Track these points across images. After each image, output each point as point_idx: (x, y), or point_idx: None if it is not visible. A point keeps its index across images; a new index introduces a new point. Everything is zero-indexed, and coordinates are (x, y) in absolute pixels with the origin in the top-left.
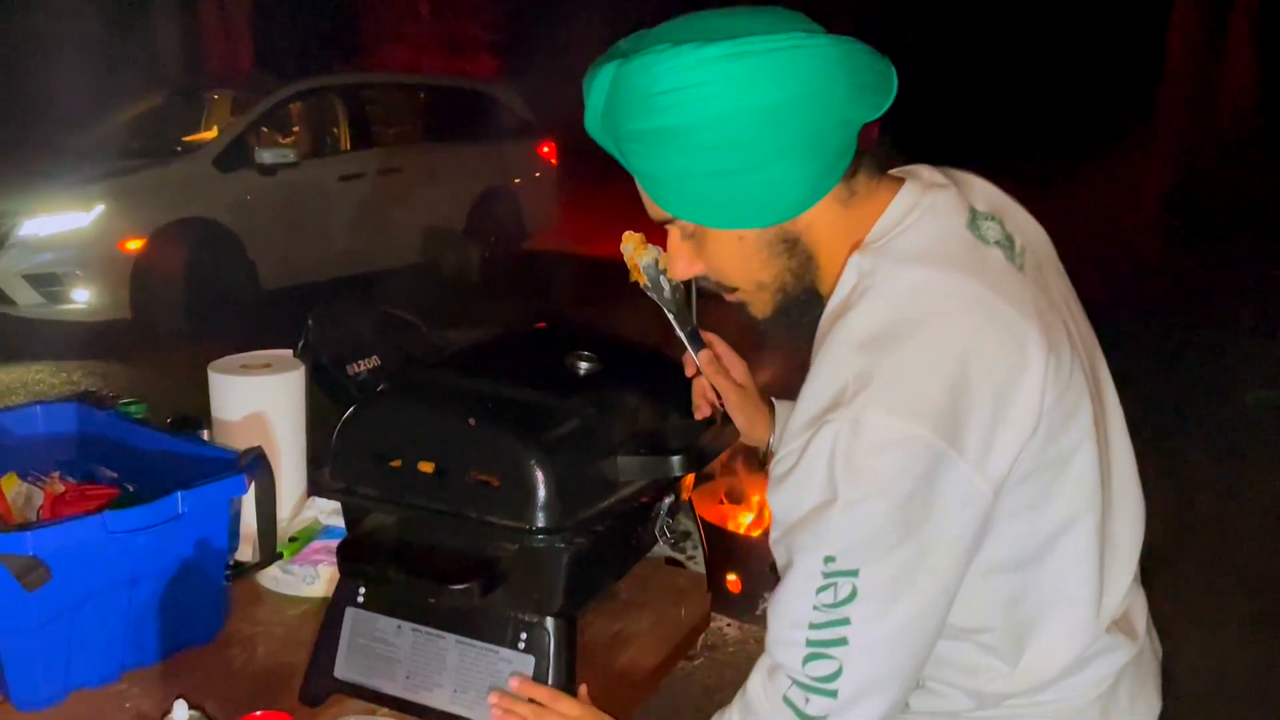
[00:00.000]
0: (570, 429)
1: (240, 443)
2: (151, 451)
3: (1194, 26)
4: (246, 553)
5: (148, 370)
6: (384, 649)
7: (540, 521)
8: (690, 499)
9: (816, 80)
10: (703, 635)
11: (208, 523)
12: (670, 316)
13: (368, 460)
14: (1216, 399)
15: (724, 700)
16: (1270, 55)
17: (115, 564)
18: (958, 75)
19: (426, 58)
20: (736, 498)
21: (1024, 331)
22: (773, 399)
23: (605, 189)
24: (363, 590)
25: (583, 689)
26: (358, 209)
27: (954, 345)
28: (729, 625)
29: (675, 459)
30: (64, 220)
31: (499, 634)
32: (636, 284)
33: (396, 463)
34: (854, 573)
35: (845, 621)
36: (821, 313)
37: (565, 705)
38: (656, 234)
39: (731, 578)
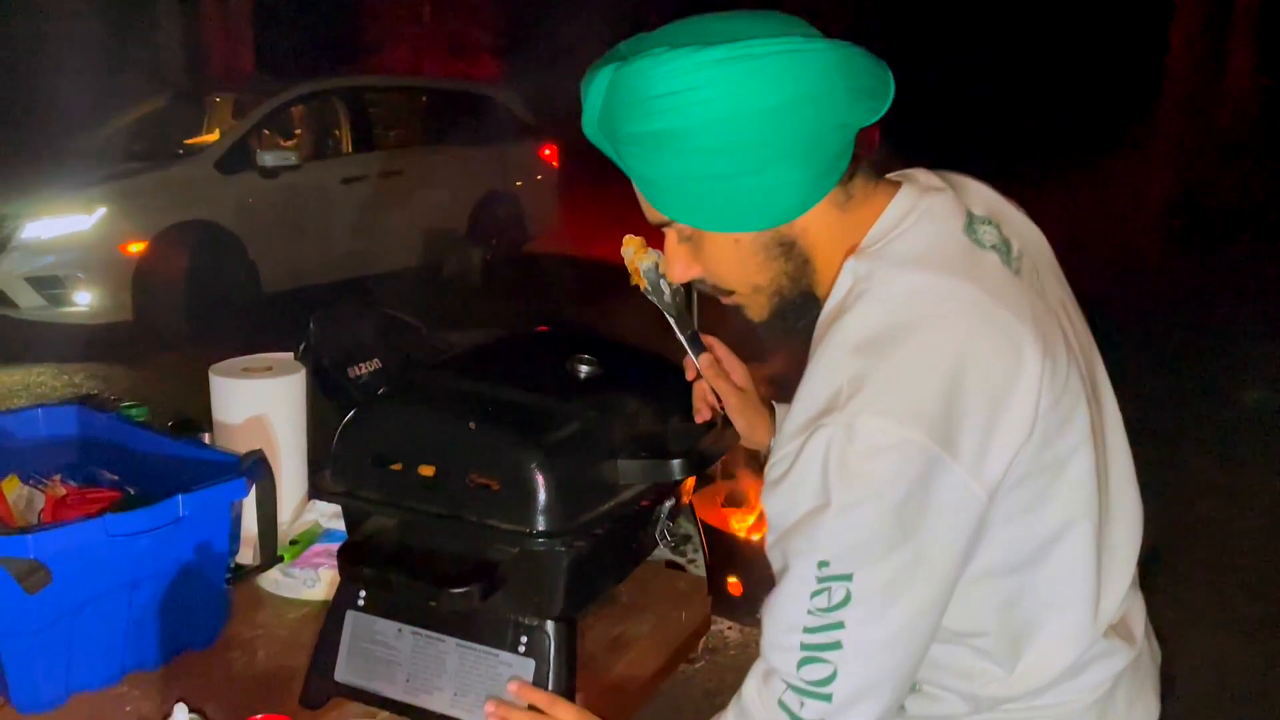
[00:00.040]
0: (570, 432)
1: (241, 446)
2: (153, 455)
3: (1195, 28)
4: (247, 556)
5: (149, 373)
6: (384, 652)
7: (540, 525)
8: (691, 502)
9: (813, 84)
10: (704, 638)
11: (208, 526)
12: (670, 320)
13: (368, 463)
14: (1217, 401)
15: (725, 703)
16: (1271, 58)
17: (116, 567)
18: (959, 78)
19: (428, 60)
20: (738, 501)
21: (1019, 336)
22: (773, 402)
23: (607, 192)
24: (363, 593)
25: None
26: (359, 211)
27: (949, 349)
28: (730, 628)
29: (675, 462)
30: (66, 223)
31: (499, 637)
32: (637, 287)
33: (397, 466)
34: (848, 577)
35: (839, 626)
36: (818, 316)
37: (562, 710)
38: (657, 238)
39: (733, 581)
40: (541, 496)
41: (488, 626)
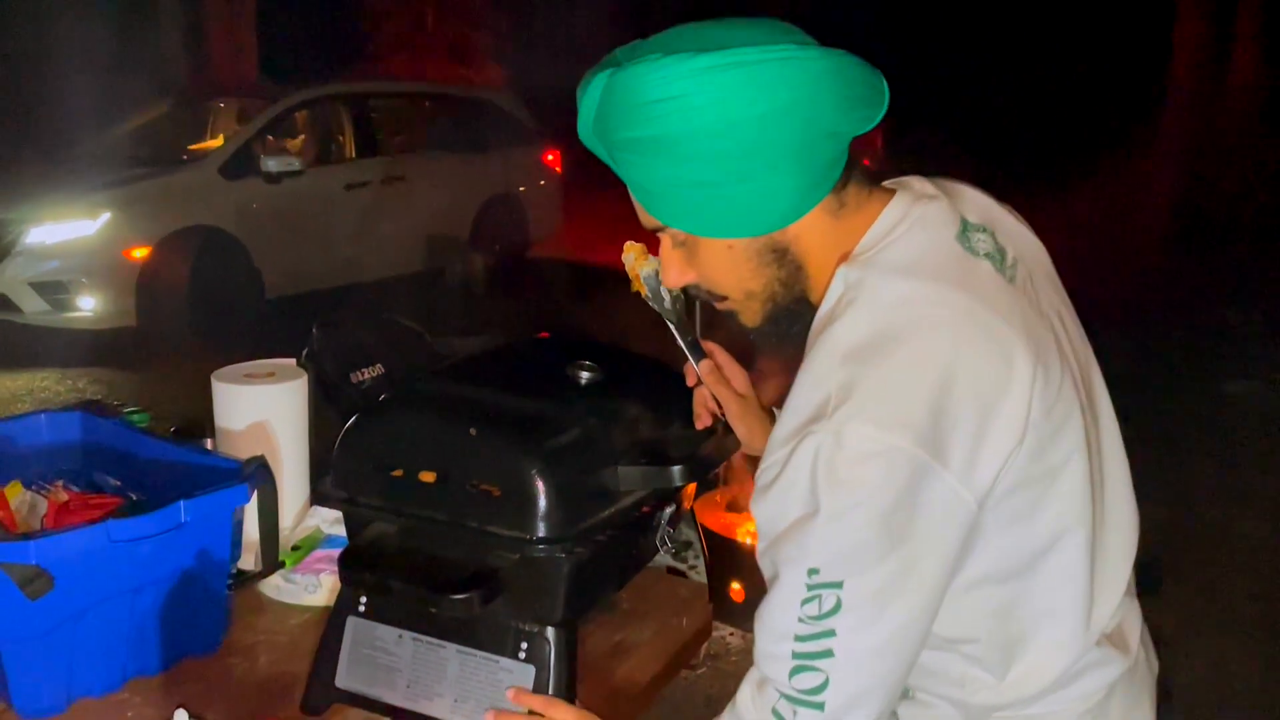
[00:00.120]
0: (571, 439)
1: (243, 451)
2: (155, 460)
3: (1199, 31)
4: (249, 561)
5: (153, 378)
6: (385, 658)
7: (541, 531)
8: (692, 508)
9: (805, 92)
10: (705, 644)
11: (210, 532)
12: (671, 326)
13: (369, 469)
14: (1218, 404)
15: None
16: (1274, 60)
17: (118, 573)
18: (962, 82)
19: (431, 66)
20: (739, 507)
21: (1011, 344)
22: (774, 409)
23: (609, 197)
24: (364, 599)
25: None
26: (363, 217)
27: (939, 357)
28: (732, 634)
29: (676, 469)
30: (70, 228)
31: (499, 644)
32: (638, 293)
33: (398, 472)
34: (838, 585)
35: (830, 634)
36: (812, 323)
37: (560, 711)
38: (658, 244)
39: (735, 587)
40: (542, 503)
41: (488, 633)
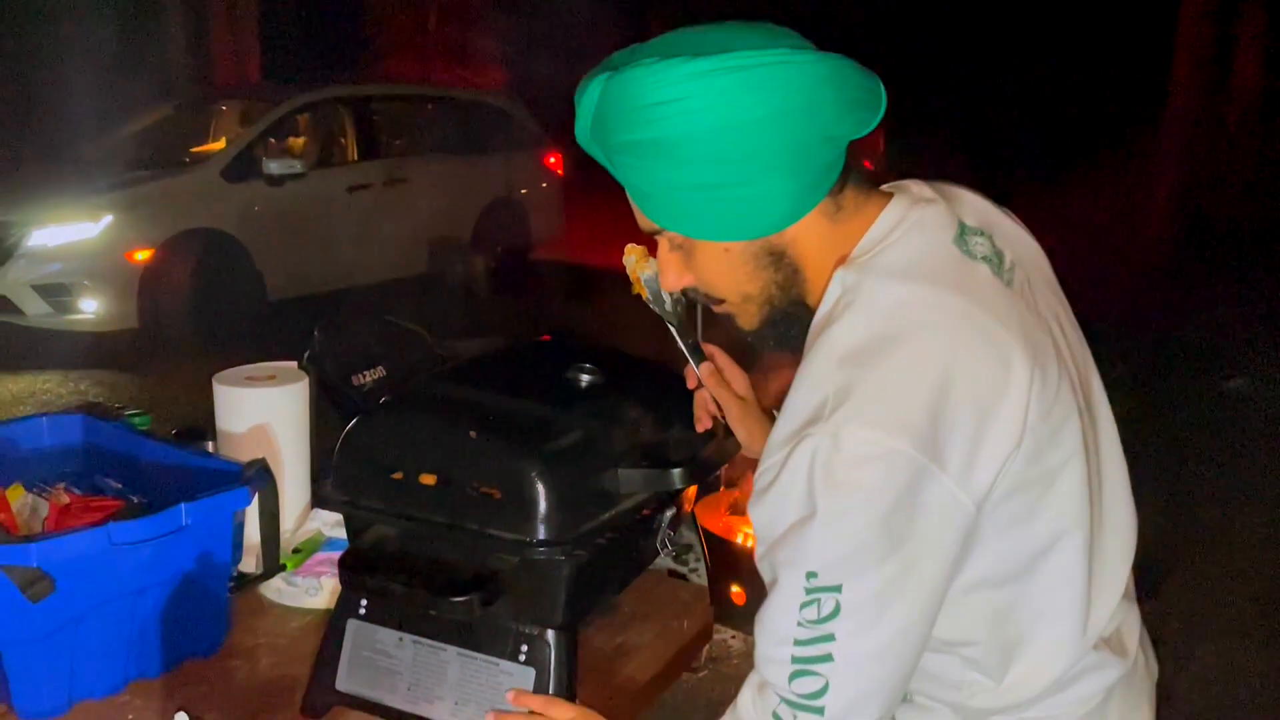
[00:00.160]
0: (571, 441)
1: (245, 454)
2: (157, 463)
3: (1200, 33)
4: (250, 564)
5: (155, 380)
6: (385, 661)
7: (541, 534)
8: (693, 511)
9: (802, 96)
10: (707, 647)
11: (211, 535)
12: (672, 329)
13: (370, 472)
14: (1221, 407)
15: None
16: (1276, 62)
17: (119, 576)
18: (963, 84)
19: (433, 69)
20: (742, 510)
21: (1008, 347)
22: (774, 412)
23: (611, 200)
24: (364, 602)
25: None
26: (364, 220)
27: (936, 360)
28: (733, 637)
29: (676, 471)
30: (72, 230)
31: (500, 646)
32: (639, 295)
33: (398, 475)
34: (837, 588)
35: (830, 638)
36: (809, 326)
37: (559, 710)
38: (657, 246)
39: (736, 590)
40: (542, 505)
41: (489, 635)
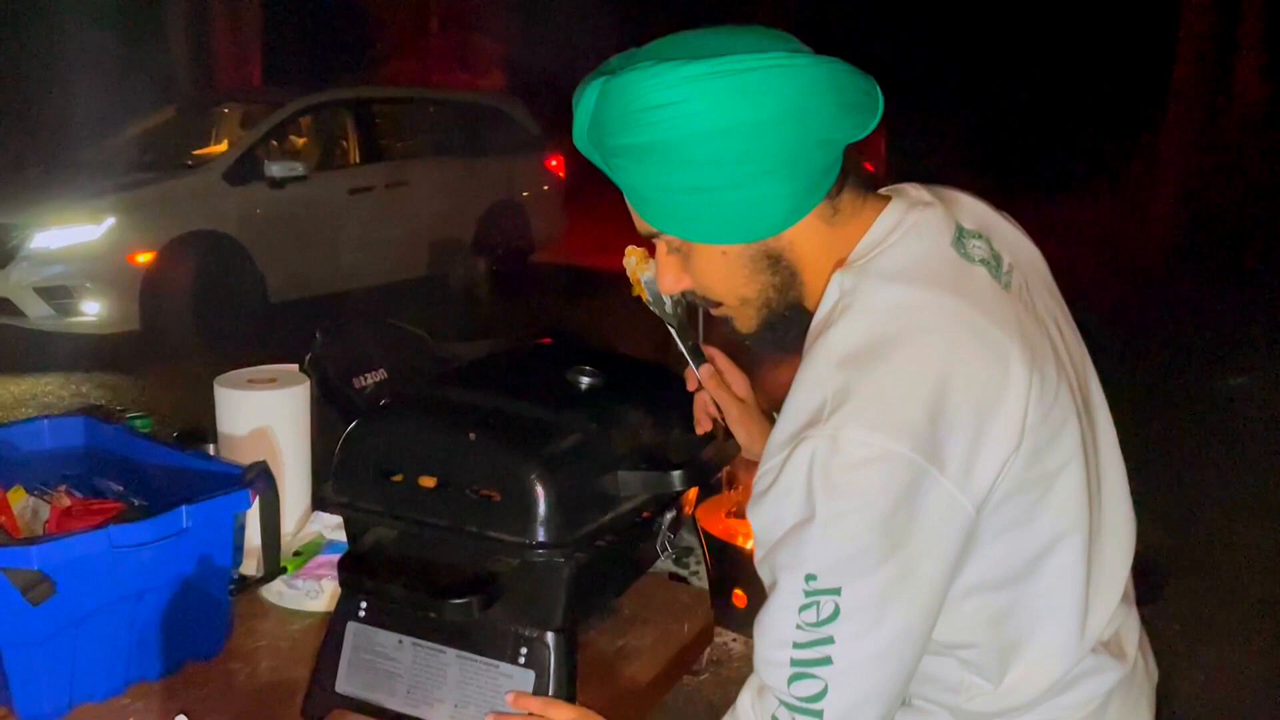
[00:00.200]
0: (571, 443)
1: (246, 457)
2: (158, 466)
3: (1202, 41)
4: (251, 567)
5: (157, 383)
6: (385, 664)
7: (540, 536)
8: (694, 514)
9: (797, 99)
10: (708, 650)
11: (212, 537)
12: (672, 331)
13: (369, 474)
14: (1224, 412)
15: None
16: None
17: (120, 578)
18: (966, 90)
19: (435, 72)
20: (742, 513)
21: (1006, 349)
22: (774, 414)
23: (612, 202)
24: (364, 604)
25: None
26: (366, 222)
27: (934, 362)
28: (734, 640)
29: (676, 474)
30: (74, 233)
31: (499, 649)
32: (639, 298)
33: (398, 477)
34: (836, 591)
35: (829, 641)
36: (807, 329)
37: (559, 712)
38: None
39: (738, 593)
40: (541, 508)
41: (488, 638)
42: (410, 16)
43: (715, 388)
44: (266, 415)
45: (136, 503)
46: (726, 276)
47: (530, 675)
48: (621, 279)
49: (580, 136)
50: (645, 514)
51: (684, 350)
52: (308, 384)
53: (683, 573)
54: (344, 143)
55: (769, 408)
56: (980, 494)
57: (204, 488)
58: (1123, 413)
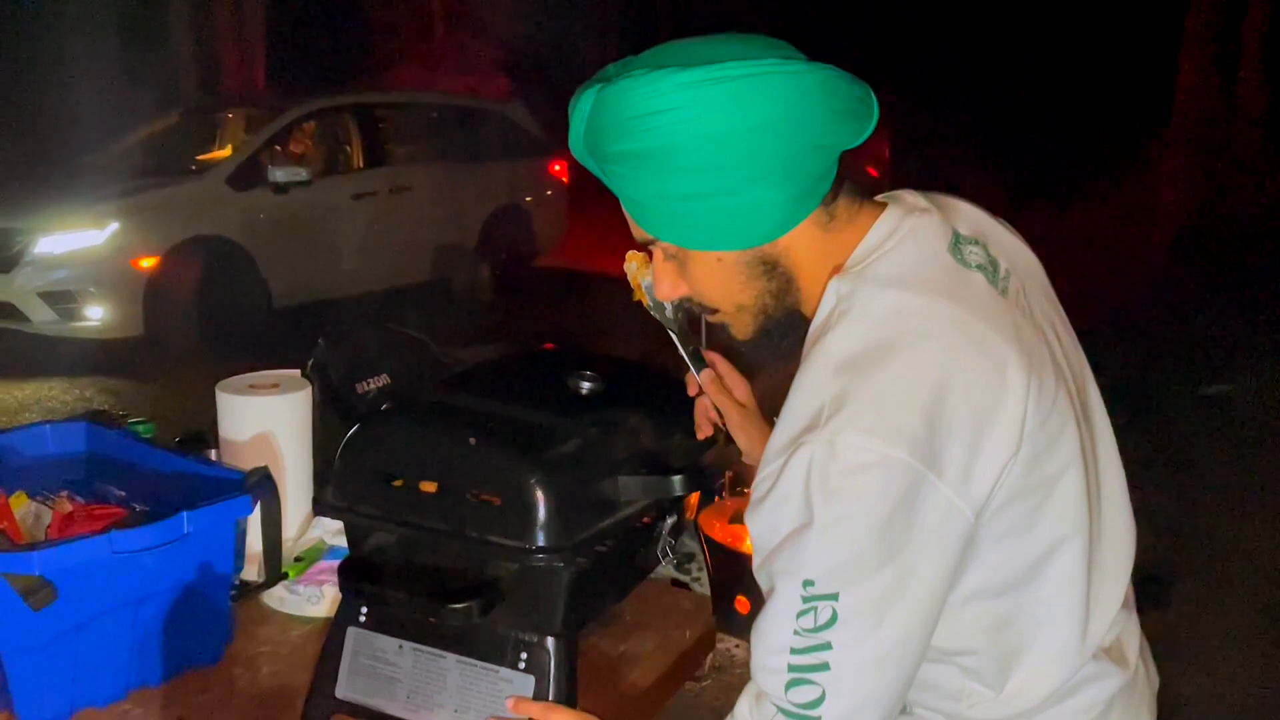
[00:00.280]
0: (571, 448)
1: (248, 462)
2: (159, 471)
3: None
4: (252, 573)
5: (159, 388)
6: (385, 668)
7: (540, 541)
8: (695, 520)
9: (791, 105)
10: (710, 657)
11: (213, 543)
12: (673, 336)
13: (370, 479)
14: (1226, 417)
15: None
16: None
17: (121, 584)
18: (970, 98)
19: (439, 76)
20: (744, 518)
21: (1004, 355)
22: (774, 419)
23: (615, 208)
24: (364, 609)
25: None
26: (370, 227)
27: (932, 368)
28: (737, 646)
29: (676, 478)
30: (78, 238)
31: (499, 654)
32: (641, 303)
33: (398, 482)
34: (834, 596)
35: (827, 646)
36: (804, 336)
37: (559, 716)
38: None
39: (740, 599)
40: (541, 512)
41: (488, 643)
42: (413, 21)
43: (716, 392)
44: (268, 420)
45: (138, 508)
46: (723, 283)
47: (530, 680)
48: (624, 283)
49: (576, 144)
50: (646, 519)
51: (685, 355)
52: (309, 389)
53: (684, 578)
54: (347, 148)
55: (770, 412)
56: (979, 500)
57: (205, 493)
58: (1123, 418)
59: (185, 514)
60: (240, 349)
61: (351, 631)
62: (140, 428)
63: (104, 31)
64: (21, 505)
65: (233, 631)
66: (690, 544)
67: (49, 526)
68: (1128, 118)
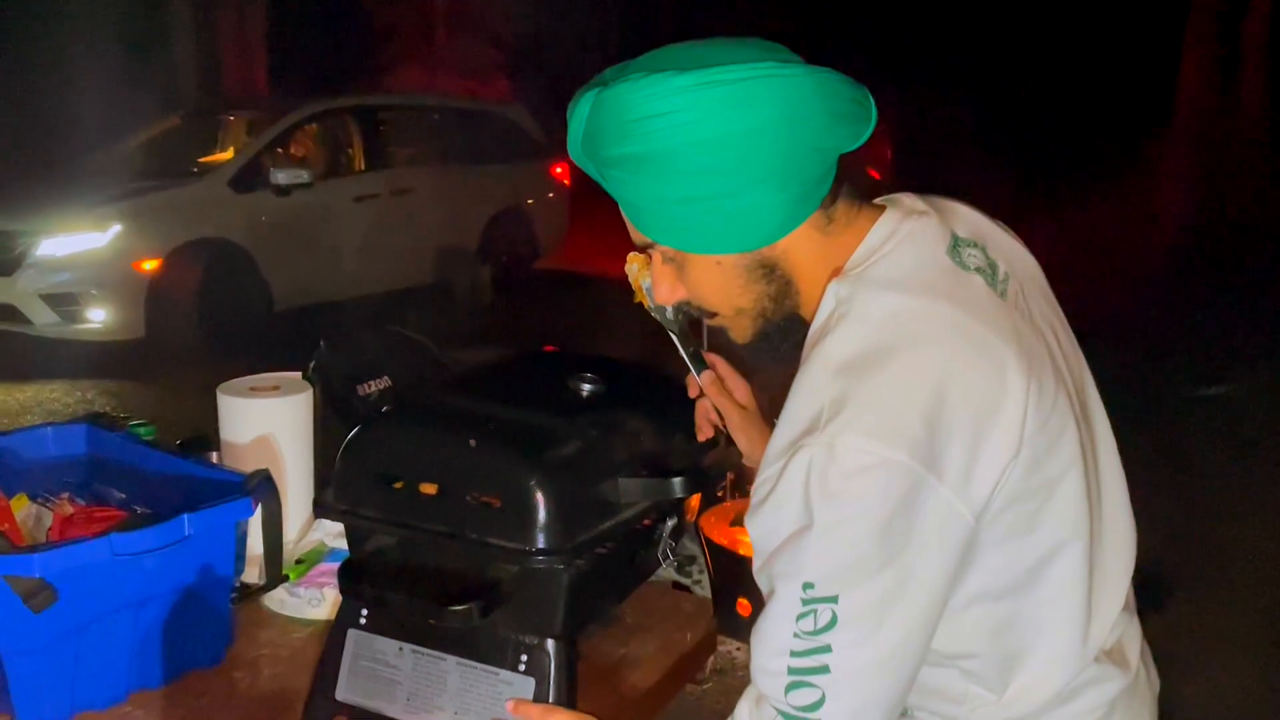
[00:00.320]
0: (571, 450)
1: (249, 465)
2: (160, 473)
3: (1206, 49)
4: (253, 575)
5: (161, 390)
6: (385, 671)
7: (540, 543)
8: (696, 523)
9: (788, 108)
10: (711, 659)
11: (214, 545)
12: (674, 338)
13: (370, 481)
14: (1228, 420)
15: None
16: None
17: (122, 586)
18: (971, 100)
19: (440, 79)
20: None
21: (1003, 357)
22: (775, 421)
23: (616, 210)
24: (364, 612)
25: None
26: (371, 229)
27: (931, 371)
28: (738, 649)
29: (676, 480)
30: (80, 240)
31: (499, 656)
32: (642, 304)
33: (399, 484)
34: (833, 599)
35: (826, 649)
36: (804, 339)
37: (559, 718)
38: None
39: (742, 601)
40: (541, 514)
41: (488, 645)
42: (415, 24)
43: (717, 394)
44: (269, 423)
45: (139, 510)
46: (721, 286)
47: (530, 682)
48: (625, 285)
49: (575, 148)
50: (646, 521)
51: (686, 357)
52: (310, 391)
53: (685, 581)
54: (349, 150)
55: (771, 415)
56: (979, 502)
57: (206, 495)
58: (1124, 420)
59: (186, 516)
60: (241, 351)
61: (352, 634)
62: (141, 430)
63: (106, 34)
64: (22, 507)
65: (233, 634)
66: (691, 546)
67: (50, 529)
68: (1128, 118)
